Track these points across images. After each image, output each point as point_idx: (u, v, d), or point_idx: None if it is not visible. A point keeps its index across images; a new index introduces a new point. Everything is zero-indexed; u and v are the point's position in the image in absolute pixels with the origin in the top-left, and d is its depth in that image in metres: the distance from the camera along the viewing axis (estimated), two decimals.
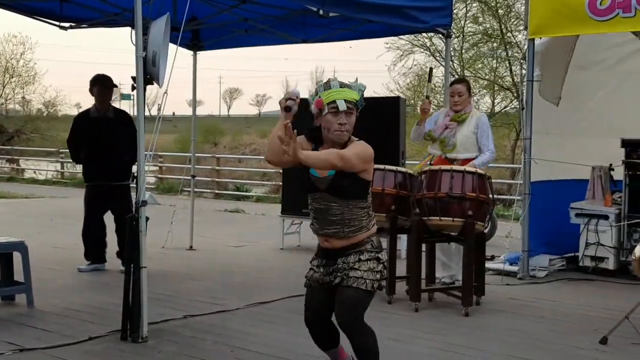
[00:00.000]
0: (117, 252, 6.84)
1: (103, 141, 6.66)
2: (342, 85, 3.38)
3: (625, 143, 6.99)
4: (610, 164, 7.23)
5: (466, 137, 6.13)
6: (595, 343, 4.70)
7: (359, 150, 3.33)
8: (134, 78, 4.66)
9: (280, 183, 10.64)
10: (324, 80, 3.45)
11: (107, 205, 6.88)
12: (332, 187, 3.36)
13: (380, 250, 3.47)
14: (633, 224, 6.86)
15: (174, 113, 66.97)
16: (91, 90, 6.80)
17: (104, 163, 6.70)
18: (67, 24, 7.06)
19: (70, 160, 7.96)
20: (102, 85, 6.76)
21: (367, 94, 3.47)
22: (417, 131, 6.32)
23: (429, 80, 7.18)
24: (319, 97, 3.38)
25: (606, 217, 6.95)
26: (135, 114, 5.01)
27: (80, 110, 6.89)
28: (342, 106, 3.29)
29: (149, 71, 4.68)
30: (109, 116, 6.78)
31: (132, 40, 4.71)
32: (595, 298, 6.10)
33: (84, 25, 7.17)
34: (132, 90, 4.72)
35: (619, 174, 7.16)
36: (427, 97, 6.54)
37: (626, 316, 4.63)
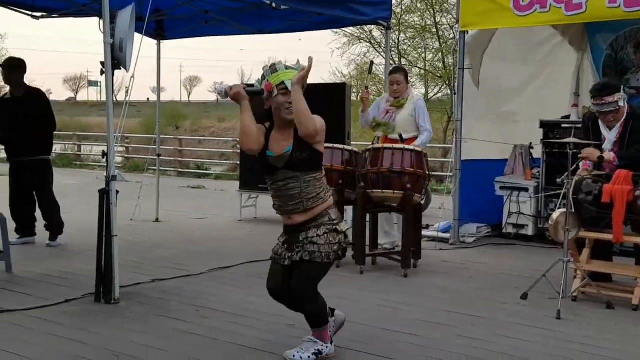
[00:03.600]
0: (44, 226, 6.65)
1: (15, 120, 6.41)
2: (287, 67, 3.34)
3: (543, 124, 7.17)
4: (530, 143, 7.41)
5: (405, 119, 6.17)
6: (517, 298, 4.85)
7: (320, 120, 3.32)
8: (102, 63, 4.57)
9: (238, 162, 10.59)
10: (269, 65, 3.41)
11: (28, 180, 6.52)
12: (291, 162, 3.31)
13: (339, 222, 3.41)
14: (549, 195, 7.07)
15: (148, 99, 65.31)
16: (2, 75, 6.57)
17: (17, 140, 6.45)
18: (38, 14, 6.83)
19: None
20: (6, 69, 6.51)
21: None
22: (363, 118, 6.36)
23: (370, 72, 7.16)
24: (267, 81, 3.33)
25: (526, 190, 7.13)
26: (104, 99, 4.91)
27: (50, 96, 6.66)
28: (290, 86, 3.25)
29: (117, 57, 4.59)
30: (18, 96, 6.50)
31: (100, 29, 4.61)
32: (517, 260, 6.27)
33: (54, 15, 6.94)
34: (101, 74, 4.63)
35: (537, 152, 7.35)
36: (367, 87, 6.60)
37: (544, 274, 4.77)
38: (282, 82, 3.28)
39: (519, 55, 7.66)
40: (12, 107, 6.46)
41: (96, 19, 6.07)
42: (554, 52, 7.76)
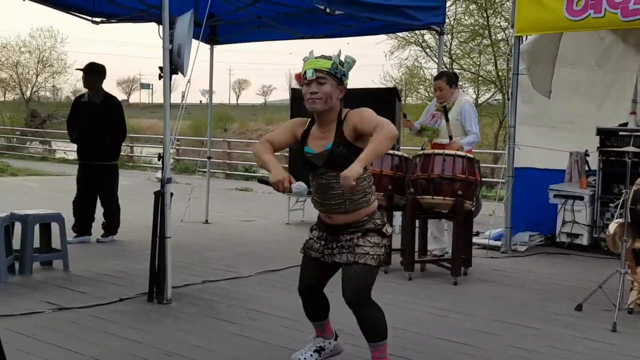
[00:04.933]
0: (102, 224, 6.93)
1: (91, 125, 6.67)
2: (319, 57, 3.06)
3: (600, 132, 7.01)
4: (586, 150, 7.25)
5: (451, 124, 6.12)
6: (571, 309, 4.75)
7: (372, 112, 3.03)
8: (161, 68, 4.67)
9: (287, 165, 10.67)
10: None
11: (94, 183, 6.81)
12: (330, 161, 3.04)
13: (384, 225, 3.15)
14: (605, 204, 6.90)
15: (201, 101, 66.21)
16: (82, 78, 6.81)
17: (90, 144, 6.72)
18: (98, 19, 7.05)
19: None
20: (87, 73, 6.72)
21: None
22: (412, 132, 6.48)
23: (447, 120, 6.06)
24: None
25: (581, 198, 6.99)
26: (158, 101, 5.02)
27: None
28: (310, 75, 2.99)
29: (175, 62, 4.68)
30: (95, 102, 6.73)
31: (159, 34, 4.72)
32: (571, 270, 6.15)
33: (113, 20, 7.15)
34: (159, 79, 4.73)
35: (593, 160, 7.19)
36: (404, 115, 6.54)
37: (599, 286, 4.67)
38: (305, 72, 3.03)
39: (573, 59, 7.50)
40: (90, 112, 6.72)
41: (151, 23, 6.27)
42: (611, 56, 7.57)
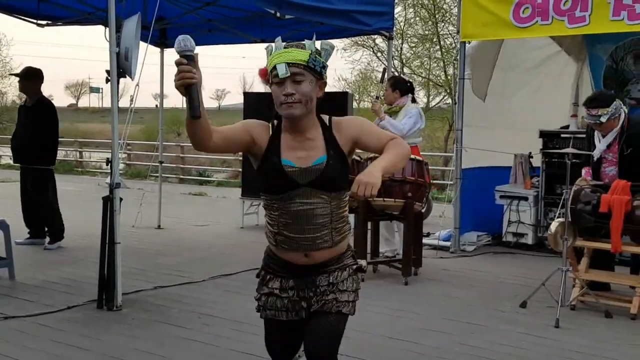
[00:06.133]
0: (45, 230, 6.80)
1: (21, 128, 6.64)
2: (289, 45, 2.29)
3: (542, 134, 7.22)
4: (530, 152, 7.45)
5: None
6: (516, 306, 4.88)
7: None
8: (108, 71, 4.62)
9: (240, 169, 10.64)
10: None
11: (29, 187, 6.68)
12: (323, 178, 2.30)
13: (357, 255, 2.54)
14: (549, 204, 7.11)
15: (156, 105, 65.25)
16: (18, 83, 6.71)
17: (20, 148, 6.67)
18: (43, 22, 6.90)
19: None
20: (22, 78, 6.64)
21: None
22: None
23: (382, 81, 6.78)
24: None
25: (526, 199, 7.17)
26: (108, 105, 4.96)
27: (52, 102, 6.82)
28: (282, 71, 2.24)
29: (122, 65, 4.64)
30: (27, 105, 6.66)
31: (106, 37, 4.66)
32: (516, 269, 6.30)
33: (59, 23, 7.01)
34: (107, 82, 4.67)
35: (537, 161, 7.40)
36: (377, 97, 6.57)
37: (542, 283, 4.81)
38: (275, 67, 2.26)
39: (515, 64, 7.71)
40: (22, 116, 6.69)
41: (99, 26, 6.17)
42: (551, 61, 7.81)
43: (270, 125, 2.39)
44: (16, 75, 6.68)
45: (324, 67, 2.34)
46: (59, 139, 6.92)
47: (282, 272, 2.40)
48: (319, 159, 2.32)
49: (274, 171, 2.31)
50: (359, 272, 2.46)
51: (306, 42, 2.31)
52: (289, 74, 2.25)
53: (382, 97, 6.55)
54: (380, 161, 2.24)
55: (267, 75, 2.32)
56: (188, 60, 2.12)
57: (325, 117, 2.43)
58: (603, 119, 4.89)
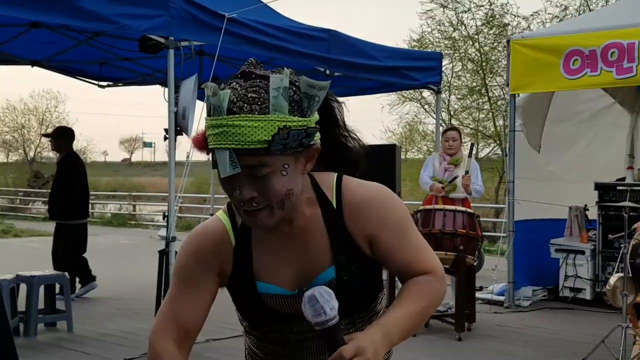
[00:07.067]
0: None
1: (52, 184, 6.94)
2: (238, 97, 1.31)
3: (598, 186, 7.10)
4: (585, 205, 7.33)
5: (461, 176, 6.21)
6: None
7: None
8: (166, 130, 4.82)
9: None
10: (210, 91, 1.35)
11: (62, 241, 6.85)
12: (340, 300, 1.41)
13: None
14: (606, 258, 6.94)
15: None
16: (50, 142, 7.11)
17: (48, 203, 7.04)
18: (104, 83, 7.26)
19: (98, 202, 8.12)
20: (53, 137, 6.91)
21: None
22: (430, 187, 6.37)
23: (470, 155, 6.38)
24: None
25: (583, 252, 7.01)
26: (160, 159, 5.14)
27: (107, 157, 7.19)
28: (225, 168, 1.34)
29: (180, 124, 4.83)
30: (55, 162, 7.01)
31: (164, 97, 4.89)
32: (575, 325, 6.14)
33: (119, 84, 7.37)
34: (164, 140, 4.87)
35: (593, 214, 7.26)
36: (467, 172, 6.19)
37: (602, 340, 4.67)
38: (214, 152, 1.37)
39: (568, 116, 7.68)
40: (54, 172, 7.01)
41: (155, 85, 6.46)
42: (604, 112, 7.76)
43: (228, 230, 1.49)
44: (47, 135, 7.01)
45: (310, 134, 1.36)
46: (90, 193, 7.17)
47: None
48: (322, 275, 1.45)
49: (250, 302, 1.50)
50: None
51: (272, 80, 1.32)
52: (238, 171, 1.33)
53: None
54: (394, 327, 1.48)
55: (204, 147, 1.39)
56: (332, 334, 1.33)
57: (330, 187, 1.47)
58: None
